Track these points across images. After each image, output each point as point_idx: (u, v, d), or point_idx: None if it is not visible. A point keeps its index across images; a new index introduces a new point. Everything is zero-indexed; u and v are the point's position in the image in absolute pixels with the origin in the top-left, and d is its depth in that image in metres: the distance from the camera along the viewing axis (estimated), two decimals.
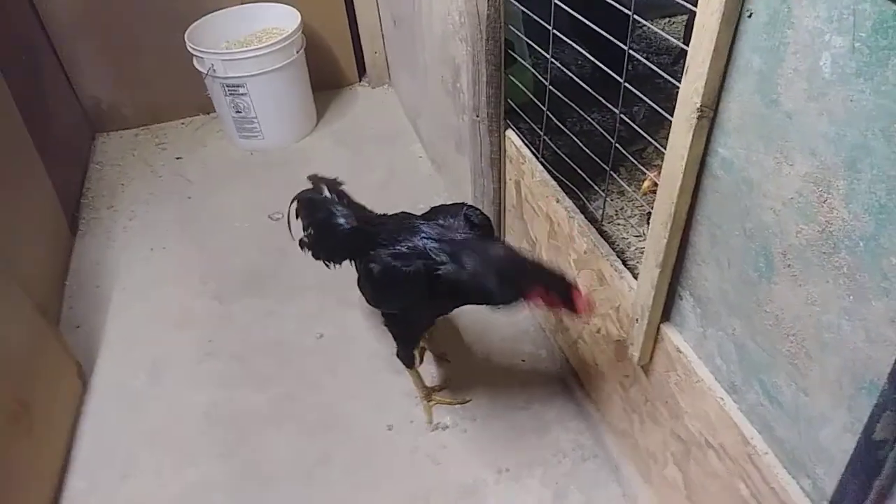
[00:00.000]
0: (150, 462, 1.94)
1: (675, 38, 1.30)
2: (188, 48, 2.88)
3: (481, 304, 1.58)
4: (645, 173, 1.60)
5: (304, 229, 1.83)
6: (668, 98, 1.13)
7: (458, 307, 1.77)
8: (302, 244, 1.85)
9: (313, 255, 1.85)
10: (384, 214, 1.81)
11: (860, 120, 0.80)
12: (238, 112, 2.99)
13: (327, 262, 1.84)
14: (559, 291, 1.42)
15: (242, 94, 2.92)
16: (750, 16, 0.92)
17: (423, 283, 1.53)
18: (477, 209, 1.64)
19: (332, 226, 1.74)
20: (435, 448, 1.90)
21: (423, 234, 1.57)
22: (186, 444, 1.98)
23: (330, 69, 3.43)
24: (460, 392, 2.04)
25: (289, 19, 3.02)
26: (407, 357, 1.90)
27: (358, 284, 1.78)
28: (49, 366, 2.00)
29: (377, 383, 2.09)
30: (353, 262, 1.79)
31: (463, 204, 1.68)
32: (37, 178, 2.49)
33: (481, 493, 1.79)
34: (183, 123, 3.37)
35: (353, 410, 2.02)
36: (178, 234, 2.72)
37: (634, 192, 2.01)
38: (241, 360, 2.20)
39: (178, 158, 3.14)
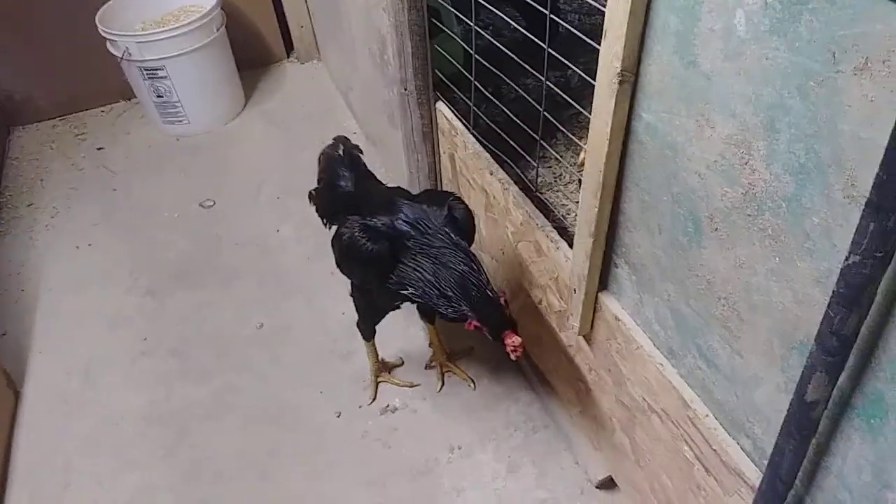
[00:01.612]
0: (91, 469, 1.87)
1: (602, 1, 1.26)
2: (100, 31, 2.72)
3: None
4: (580, 140, 1.58)
5: (317, 182, 1.82)
6: None
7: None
8: (310, 196, 1.83)
9: (316, 209, 1.82)
10: (386, 186, 1.79)
11: (776, 78, 0.77)
12: (160, 97, 2.85)
13: (324, 221, 1.80)
14: (495, 331, 1.46)
15: (162, 78, 2.78)
16: None
17: (384, 264, 1.50)
18: (462, 203, 1.59)
19: (334, 185, 1.74)
20: (386, 431, 1.88)
21: (401, 215, 1.54)
22: (127, 447, 1.91)
23: (255, 46, 3.30)
24: (409, 372, 2.01)
25: None
26: (366, 330, 1.87)
27: (331, 244, 1.73)
28: None
29: (322, 370, 2.04)
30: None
31: (451, 194, 1.63)
32: None
33: (435, 473, 1.78)
34: (103, 111, 3.21)
35: (300, 399, 1.97)
36: (104, 228, 2.59)
37: (573, 157, 1.99)
38: (178, 355, 2.12)
39: (99, 149, 2.99)
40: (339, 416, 1.92)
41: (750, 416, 1.05)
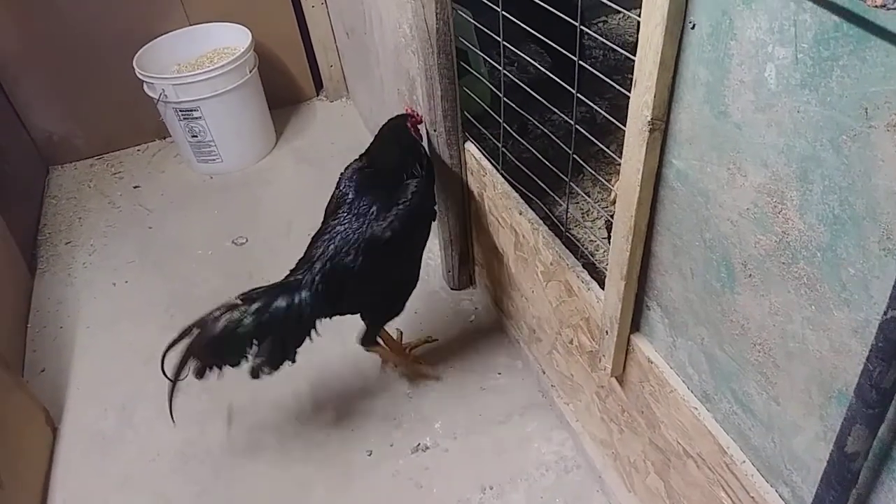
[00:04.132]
0: None
1: (627, 37, 1.28)
2: (137, 74, 2.81)
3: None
4: (609, 174, 1.59)
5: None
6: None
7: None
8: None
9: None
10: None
11: (808, 131, 0.78)
12: (194, 136, 2.93)
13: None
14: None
15: (197, 118, 2.85)
16: (693, 27, 0.90)
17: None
18: None
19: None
20: (417, 471, 1.87)
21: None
22: (162, 484, 1.92)
23: (286, 85, 3.38)
24: (435, 406, 2.02)
25: (240, 38, 2.96)
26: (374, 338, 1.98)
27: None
28: (15, 416, 1.93)
29: (354, 408, 2.05)
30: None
31: None
32: None
33: None
34: (139, 150, 3.30)
35: (331, 437, 1.98)
36: (140, 266, 2.65)
37: (600, 192, 2.00)
38: (212, 392, 2.14)
39: (135, 187, 3.07)
40: (370, 455, 1.92)
41: (788, 463, 1.04)
